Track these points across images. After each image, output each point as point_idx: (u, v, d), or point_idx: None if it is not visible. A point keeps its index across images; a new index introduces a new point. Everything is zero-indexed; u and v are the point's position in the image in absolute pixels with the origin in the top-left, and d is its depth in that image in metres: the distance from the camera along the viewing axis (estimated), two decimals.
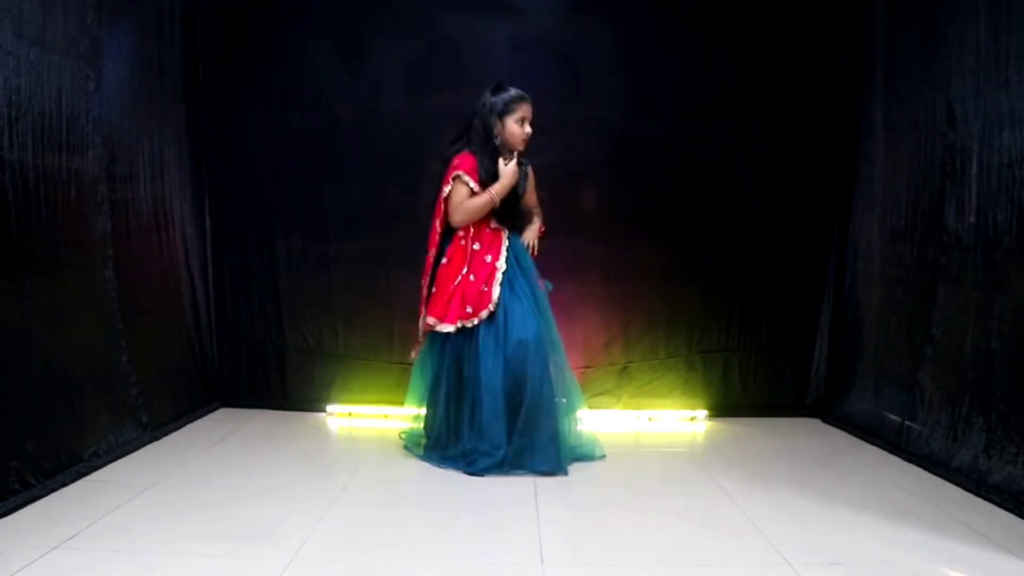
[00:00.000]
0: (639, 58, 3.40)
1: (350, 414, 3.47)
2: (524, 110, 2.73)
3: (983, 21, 2.56)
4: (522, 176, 2.83)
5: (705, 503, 2.43)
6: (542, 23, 3.42)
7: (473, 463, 2.63)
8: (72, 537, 2.03)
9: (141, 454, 2.78)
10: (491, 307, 2.67)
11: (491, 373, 2.64)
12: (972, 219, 2.62)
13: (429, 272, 2.82)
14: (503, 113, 2.73)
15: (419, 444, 2.85)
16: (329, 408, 3.48)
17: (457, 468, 2.65)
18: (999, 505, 2.35)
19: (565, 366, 2.80)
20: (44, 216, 2.46)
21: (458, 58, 3.39)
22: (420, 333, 2.84)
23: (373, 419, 3.43)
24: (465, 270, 2.74)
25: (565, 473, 2.64)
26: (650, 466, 2.85)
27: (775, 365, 3.55)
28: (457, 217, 2.75)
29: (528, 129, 2.75)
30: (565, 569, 1.95)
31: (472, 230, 2.77)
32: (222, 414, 3.43)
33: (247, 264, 3.51)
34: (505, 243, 2.78)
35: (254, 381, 3.57)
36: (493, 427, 2.63)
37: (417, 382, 2.87)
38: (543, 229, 2.92)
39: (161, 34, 3.17)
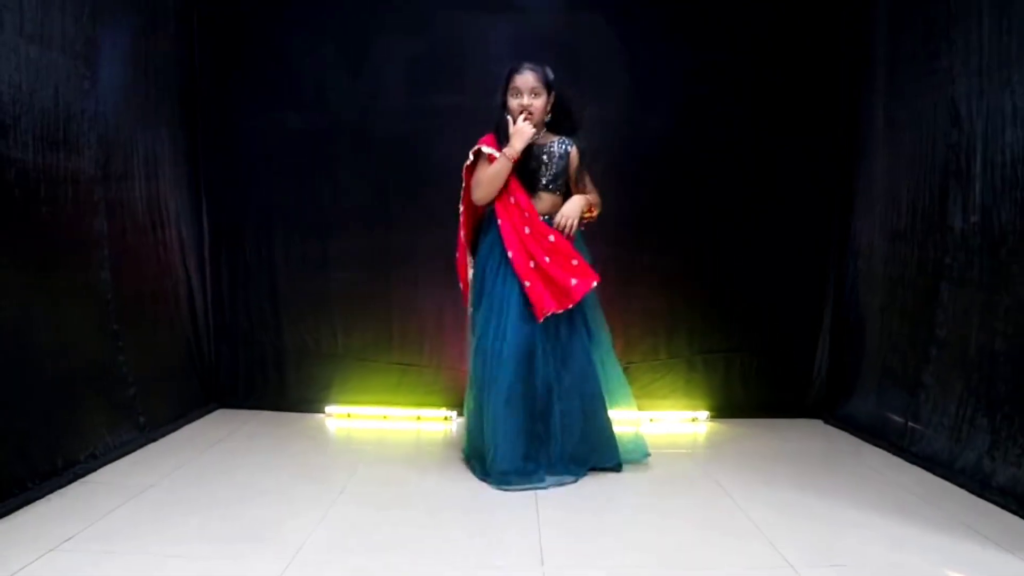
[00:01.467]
0: (639, 56, 3.40)
1: (349, 415, 3.46)
2: (516, 81, 2.64)
3: (986, 19, 2.56)
4: (555, 154, 2.70)
5: (706, 505, 2.43)
6: (543, 21, 3.42)
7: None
8: (69, 539, 2.03)
9: (138, 455, 2.78)
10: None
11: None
12: (976, 218, 2.63)
13: (462, 255, 2.80)
14: (505, 90, 2.68)
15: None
16: (328, 409, 3.48)
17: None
18: (1003, 507, 2.35)
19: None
20: (43, 216, 2.46)
21: (459, 57, 3.40)
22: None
23: (372, 420, 3.43)
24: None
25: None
26: (651, 467, 2.85)
27: (777, 366, 3.55)
28: (479, 192, 2.67)
29: (524, 100, 2.63)
30: (565, 571, 1.95)
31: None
32: (220, 415, 3.43)
33: (245, 264, 3.51)
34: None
35: (252, 382, 3.57)
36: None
37: None
38: (593, 212, 2.73)
39: (156, 32, 3.17)
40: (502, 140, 2.66)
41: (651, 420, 3.46)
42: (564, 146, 2.72)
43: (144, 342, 3.01)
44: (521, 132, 2.62)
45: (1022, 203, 2.41)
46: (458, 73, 3.38)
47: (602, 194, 3.25)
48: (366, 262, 3.45)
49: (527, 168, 2.68)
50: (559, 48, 3.39)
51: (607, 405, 2.75)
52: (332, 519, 2.24)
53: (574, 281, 2.59)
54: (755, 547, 2.10)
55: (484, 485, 2.57)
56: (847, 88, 3.41)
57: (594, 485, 2.61)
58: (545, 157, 2.70)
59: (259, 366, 3.56)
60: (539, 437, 2.61)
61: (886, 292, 3.18)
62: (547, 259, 2.61)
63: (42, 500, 2.28)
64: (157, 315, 3.19)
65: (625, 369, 3.47)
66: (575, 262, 2.62)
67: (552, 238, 2.64)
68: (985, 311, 2.58)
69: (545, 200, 2.72)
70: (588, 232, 3.46)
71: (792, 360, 3.56)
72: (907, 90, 3.05)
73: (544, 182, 2.71)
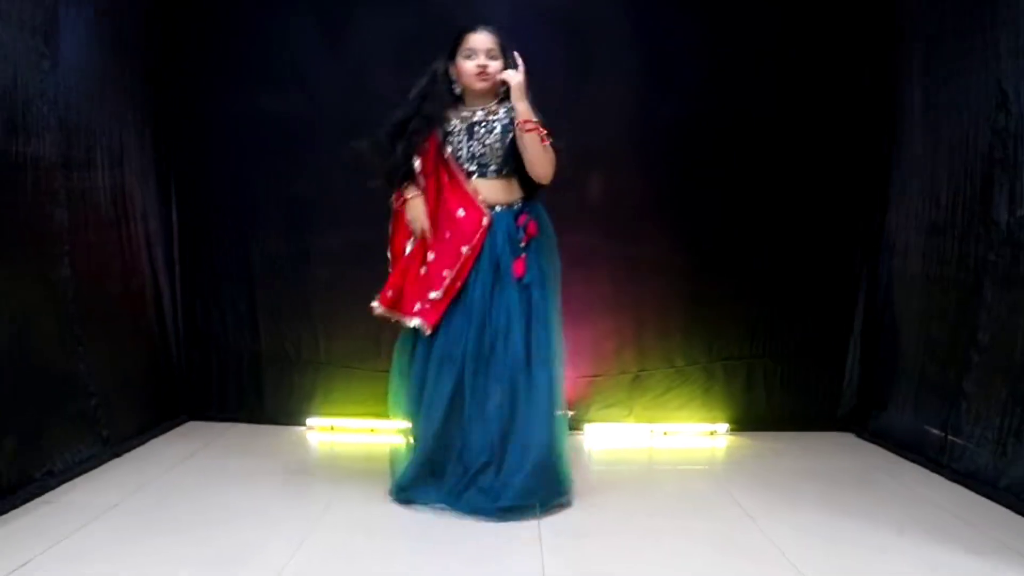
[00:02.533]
0: (655, 31, 3.40)
1: (332, 428, 3.48)
2: (470, 40, 2.57)
3: None
4: (500, 124, 2.60)
5: (725, 526, 2.43)
6: None
7: None
8: (24, 564, 2.03)
9: (101, 472, 2.78)
10: None
11: None
12: (1023, 211, 2.63)
13: None
14: (452, 54, 2.60)
15: None
16: (309, 421, 3.49)
17: None
18: None
19: None
20: (6, 207, 2.47)
21: (452, 33, 3.39)
22: None
23: (358, 433, 3.44)
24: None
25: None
26: (665, 485, 2.85)
27: (804, 374, 3.56)
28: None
29: (481, 60, 2.55)
30: None
31: None
32: (190, 428, 3.44)
33: (218, 262, 3.52)
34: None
35: (226, 392, 3.57)
36: None
37: None
38: (542, 137, 2.53)
39: (122, 9, 3.17)
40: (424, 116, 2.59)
41: (665, 433, 3.47)
42: (509, 113, 2.57)
43: (107, 348, 3.02)
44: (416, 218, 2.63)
45: None
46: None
47: (614, 183, 3.22)
48: (351, 260, 3.44)
49: (470, 151, 2.61)
50: (565, 23, 3.39)
51: None
52: (314, 543, 2.25)
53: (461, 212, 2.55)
54: (778, 573, 2.10)
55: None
56: (880, 66, 3.41)
57: (601, 506, 2.61)
58: (490, 133, 2.60)
59: (234, 374, 3.56)
60: None
61: (923, 292, 3.18)
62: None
63: None
64: (122, 318, 3.20)
65: (637, 377, 3.50)
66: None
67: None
68: None
69: (494, 187, 2.62)
70: (597, 224, 3.47)
71: (820, 367, 3.56)
72: (948, 69, 3.05)
73: (495, 166, 2.62)
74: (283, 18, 3.40)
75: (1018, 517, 2.47)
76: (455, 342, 2.55)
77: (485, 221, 2.57)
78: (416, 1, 3.39)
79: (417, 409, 2.61)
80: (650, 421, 3.50)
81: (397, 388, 2.72)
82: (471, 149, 2.62)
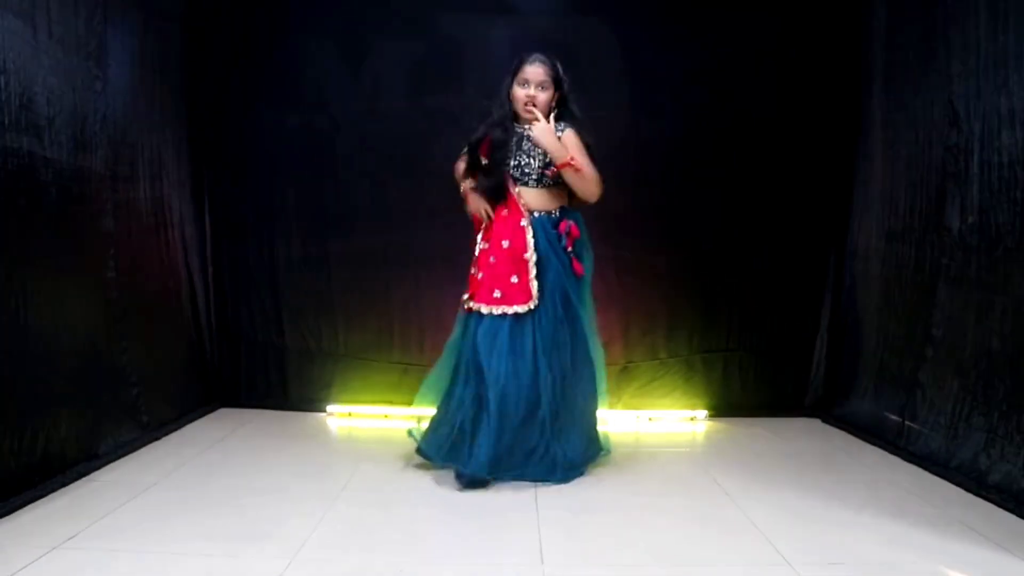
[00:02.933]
0: (639, 59, 3.40)
1: (350, 414, 3.47)
2: (526, 72, 2.62)
3: (983, 20, 2.56)
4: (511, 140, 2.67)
5: (705, 503, 2.43)
6: (543, 23, 3.43)
7: None
8: (73, 537, 2.03)
9: (141, 454, 2.78)
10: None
11: None
12: (973, 219, 2.63)
13: None
14: (512, 78, 2.66)
15: None
16: (329, 408, 3.48)
17: None
18: (999, 505, 2.35)
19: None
20: (58, 215, 2.50)
21: (458, 58, 3.40)
22: None
23: (373, 419, 3.43)
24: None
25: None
26: (650, 466, 2.85)
27: (775, 365, 3.55)
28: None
29: (531, 91, 2.61)
30: (565, 570, 1.95)
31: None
32: (222, 414, 3.43)
33: (247, 264, 3.51)
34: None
35: (254, 381, 3.57)
36: None
37: None
38: (576, 165, 2.59)
39: (161, 33, 3.17)
40: (496, 130, 2.67)
41: (650, 419, 3.47)
42: (556, 132, 2.63)
43: (148, 342, 3.02)
44: (475, 201, 2.70)
45: (1018, 204, 2.42)
46: (457, 75, 3.39)
47: (603, 194, 3.20)
48: (367, 261, 3.45)
49: (517, 162, 2.67)
50: (559, 50, 3.37)
51: None
52: (333, 517, 2.25)
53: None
54: (753, 545, 2.10)
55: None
56: (846, 89, 3.41)
57: (593, 485, 2.62)
58: (534, 149, 2.65)
59: (261, 365, 3.56)
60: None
61: (883, 292, 3.18)
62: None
63: (46, 498, 2.28)
64: (161, 315, 3.20)
65: (624, 368, 3.50)
66: (514, 279, 2.61)
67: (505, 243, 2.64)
68: (981, 311, 2.58)
69: (534, 195, 2.68)
70: (589, 230, 3.47)
71: (790, 360, 3.56)
72: (905, 91, 3.05)
73: (535, 176, 2.67)
74: (307, 44, 3.39)
75: (967, 494, 2.47)
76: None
77: (523, 222, 2.62)
78: (425, 31, 3.39)
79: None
80: (637, 408, 3.50)
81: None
82: (518, 159, 2.66)
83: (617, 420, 3.43)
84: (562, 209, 2.72)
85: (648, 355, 3.52)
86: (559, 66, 2.66)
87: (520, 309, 2.58)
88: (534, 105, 2.62)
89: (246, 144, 3.47)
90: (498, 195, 2.69)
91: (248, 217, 3.50)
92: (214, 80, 3.44)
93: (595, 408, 2.76)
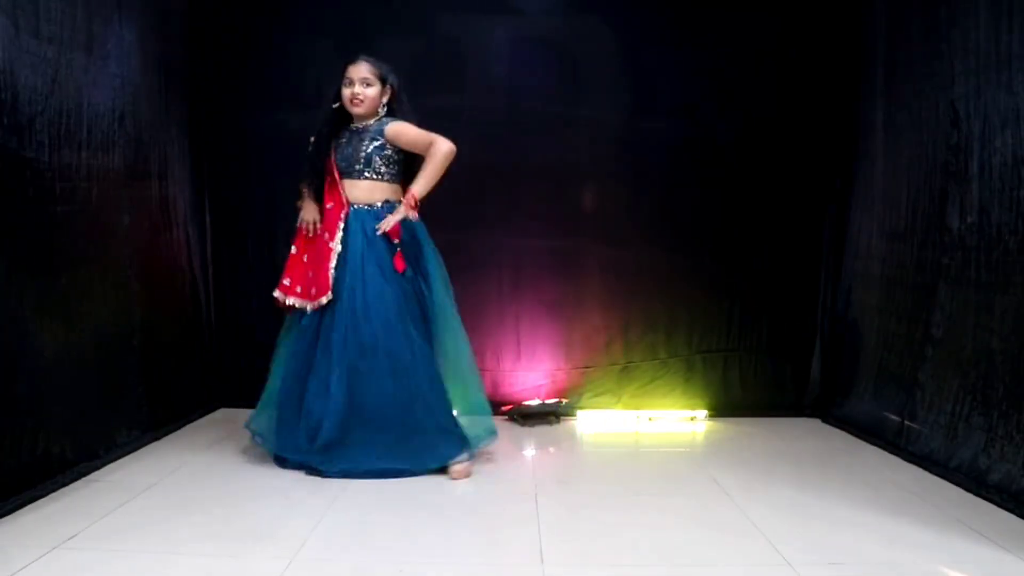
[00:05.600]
0: (639, 58, 3.40)
1: None
2: (349, 71, 2.70)
3: (983, 20, 2.56)
4: (369, 135, 2.72)
5: (705, 503, 2.43)
6: (542, 23, 3.42)
7: None
8: (72, 537, 2.03)
9: (142, 454, 2.78)
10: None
11: None
12: (973, 219, 2.63)
13: None
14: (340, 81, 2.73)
15: None
16: None
17: None
18: (998, 504, 2.35)
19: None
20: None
21: (458, 58, 3.40)
22: None
23: None
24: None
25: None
26: (650, 466, 2.85)
27: (775, 365, 3.55)
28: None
29: (356, 88, 2.67)
30: (565, 569, 1.95)
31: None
32: (222, 414, 3.43)
33: (247, 264, 3.51)
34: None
35: (254, 382, 3.56)
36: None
37: None
38: (414, 196, 2.63)
39: (164, 33, 3.18)
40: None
41: (650, 419, 3.47)
42: (380, 125, 2.70)
43: (154, 342, 3.02)
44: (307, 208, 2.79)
45: (1019, 204, 2.42)
46: (457, 75, 3.39)
47: (603, 194, 3.21)
48: None
49: (343, 154, 2.72)
50: (558, 49, 3.39)
51: None
52: (333, 518, 2.25)
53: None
54: (753, 545, 2.10)
55: (485, 482, 2.58)
56: (846, 89, 3.41)
57: (593, 484, 2.62)
58: (360, 143, 2.70)
59: (261, 366, 3.55)
60: None
61: (883, 292, 3.18)
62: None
63: (46, 498, 2.28)
64: (168, 315, 3.20)
65: (625, 368, 3.50)
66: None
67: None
68: (982, 311, 2.58)
69: (356, 187, 2.71)
70: (588, 230, 3.47)
71: (790, 360, 3.56)
72: (906, 91, 3.05)
73: (358, 168, 2.70)
74: (306, 43, 3.39)
75: (967, 494, 2.47)
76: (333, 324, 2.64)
77: (342, 214, 2.68)
78: (425, 31, 3.39)
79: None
80: (637, 408, 3.50)
81: None
82: (344, 153, 2.72)
83: (617, 420, 3.43)
84: (387, 202, 2.72)
85: (648, 355, 3.52)
86: (384, 66, 2.73)
87: (323, 301, 2.65)
88: (359, 101, 2.67)
89: (246, 144, 3.47)
90: (322, 188, 2.75)
91: (248, 217, 3.50)
92: (215, 80, 3.44)
93: (428, 414, 2.62)
